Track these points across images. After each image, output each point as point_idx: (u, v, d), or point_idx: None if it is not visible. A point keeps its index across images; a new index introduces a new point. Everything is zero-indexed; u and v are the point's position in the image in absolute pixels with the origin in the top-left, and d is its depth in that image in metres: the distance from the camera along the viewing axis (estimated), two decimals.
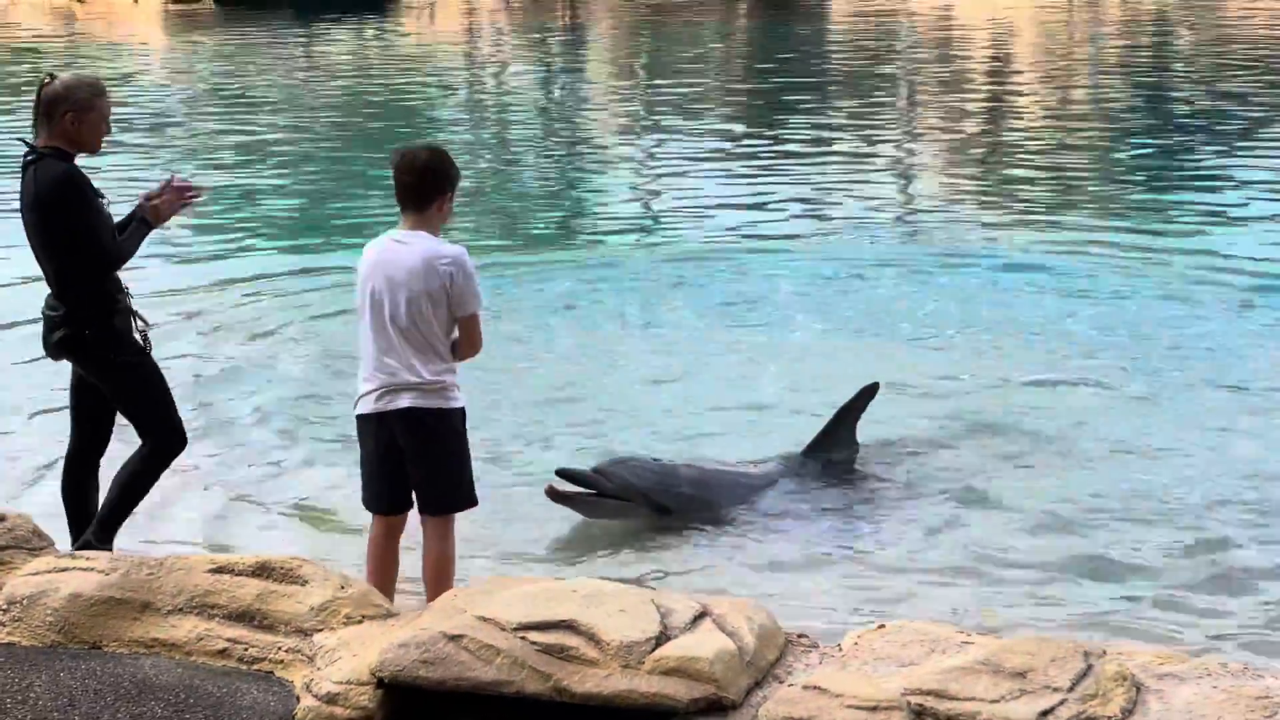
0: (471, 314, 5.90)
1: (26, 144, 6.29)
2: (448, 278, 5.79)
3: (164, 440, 6.40)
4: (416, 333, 5.80)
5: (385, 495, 6.00)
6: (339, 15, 37.13)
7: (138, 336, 6.35)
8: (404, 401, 5.82)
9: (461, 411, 5.97)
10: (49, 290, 6.31)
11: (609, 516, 7.69)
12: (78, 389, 6.50)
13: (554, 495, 7.51)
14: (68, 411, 6.65)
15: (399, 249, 5.83)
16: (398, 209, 5.93)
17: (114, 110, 6.60)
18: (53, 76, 6.30)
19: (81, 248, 6.14)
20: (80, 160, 6.25)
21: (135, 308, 6.38)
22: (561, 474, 7.57)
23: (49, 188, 6.12)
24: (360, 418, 5.96)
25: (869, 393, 8.60)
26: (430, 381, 5.82)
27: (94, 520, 6.39)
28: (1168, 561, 7.27)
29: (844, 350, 10.74)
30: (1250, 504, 7.88)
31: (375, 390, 5.85)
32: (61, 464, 6.70)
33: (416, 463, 5.90)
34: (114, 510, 6.39)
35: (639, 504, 7.63)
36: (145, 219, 6.32)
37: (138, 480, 6.41)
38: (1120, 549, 7.38)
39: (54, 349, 6.34)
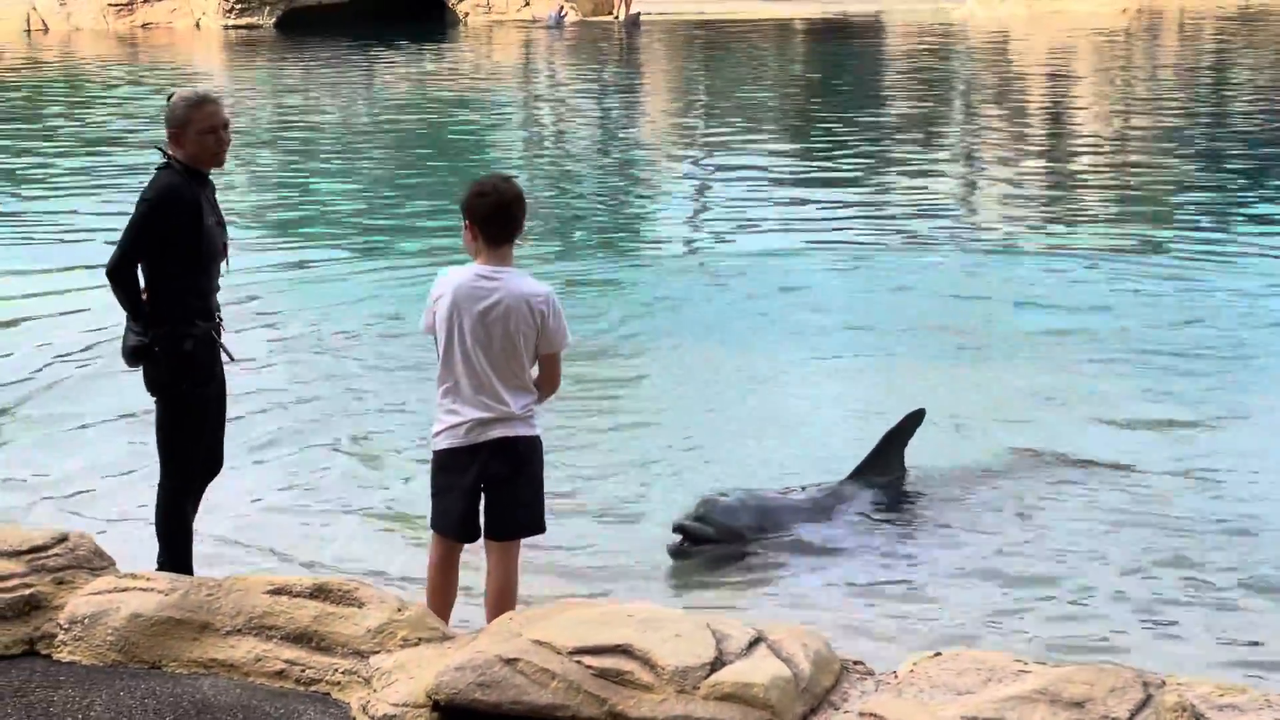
0: (556, 352, 5.91)
1: (161, 150, 6.34)
2: (540, 316, 5.80)
3: (176, 478, 6.41)
4: (508, 368, 5.80)
5: (468, 524, 5.97)
6: (399, 37, 37.39)
7: (218, 365, 6.36)
8: (497, 432, 5.81)
9: (540, 439, 6.00)
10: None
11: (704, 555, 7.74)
12: None
13: (678, 555, 7.58)
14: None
15: (491, 285, 5.79)
16: (453, 233, 5.94)
17: None
18: (174, 93, 6.39)
19: (172, 263, 6.18)
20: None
21: (223, 340, 6.41)
22: (678, 530, 7.63)
23: (147, 192, 6.20)
24: (447, 451, 5.89)
25: (915, 418, 8.59)
26: (519, 412, 5.84)
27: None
28: (1230, 591, 7.19)
29: (898, 370, 10.77)
30: None
31: (465, 423, 5.82)
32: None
33: (502, 489, 5.89)
34: (167, 554, 6.41)
35: (730, 542, 7.70)
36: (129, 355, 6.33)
37: (168, 520, 6.43)
38: (1181, 576, 7.31)
39: (125, 355, 6.37)
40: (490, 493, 5.91)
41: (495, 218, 5.80)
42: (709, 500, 7.82)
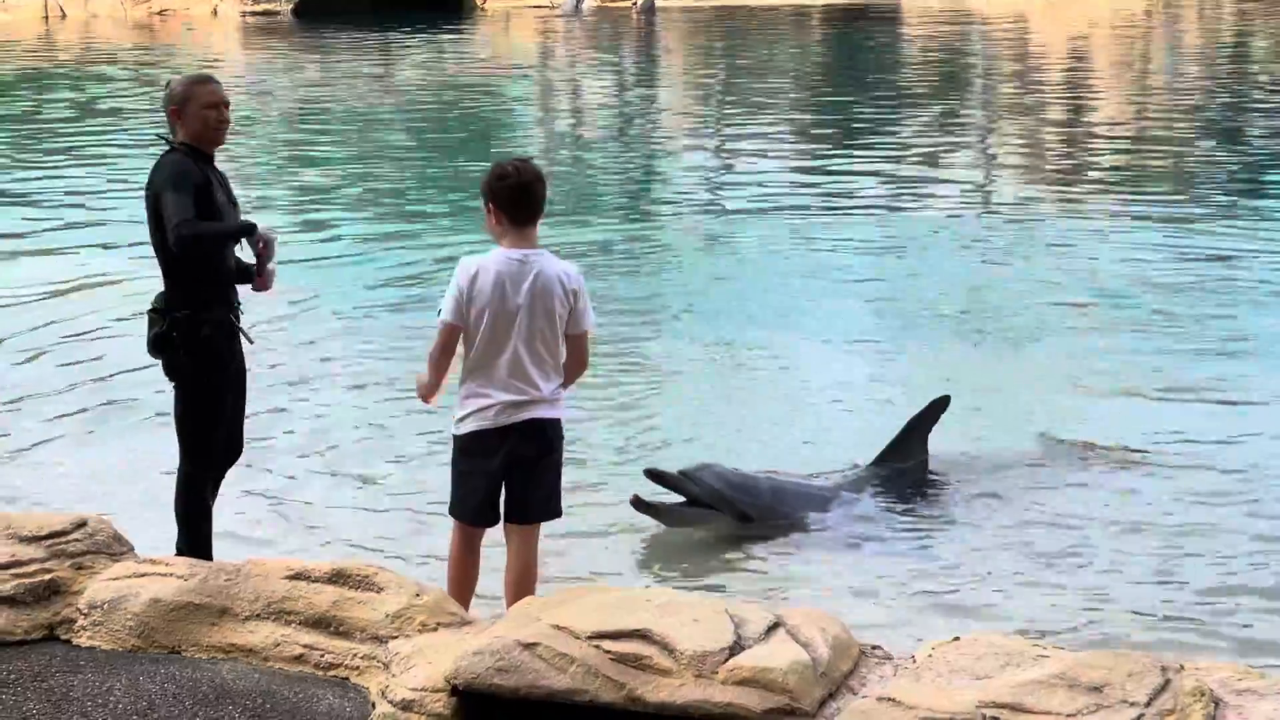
0: (585, 331, 5.91)
1: (164, 139, 6.34)
2: (573, 295, 5.80)
3: (195, 463, 6.41)
4: (543, 349, 5.79)
5: (485, 508, 5.95)
6: (416, 24, 37.38)
7: (237, 350, 6.36)
8: (528, 414, 5.80)
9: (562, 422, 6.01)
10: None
11: (689, 525, 7.67)
12: None
13: (639, 505, 7.51)
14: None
15: (524, 267, 5.77)
16: (476, 218, 5.92)
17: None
18: (170, 81, 6.40)
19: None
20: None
21: (243, 328, 6.41)
22: (650, 474, 7.56)
23: (153, 173, 6.18)
24: (473, 435, 5.85)
25: (941, 405, 8.57)
26: (551, 395, 5.84)
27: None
28: (1250, 576, 7.17)
29: (918, 352, 10.78)
30: None
31: (495, 405, 5.79)
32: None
33: (529, 473, 5.87)
34: (186, 538, 6.42)
35: (723, 510, 7.61)
36: (254, 229, 6.24)
37: (187, 504, 6.44)
38: (1201, 562, 7.30)
39: (149, 346, 6.36)
40: (515, 476, 5.89)
41: (519, 200, 5.78)
42: (711, 464, 7.76)
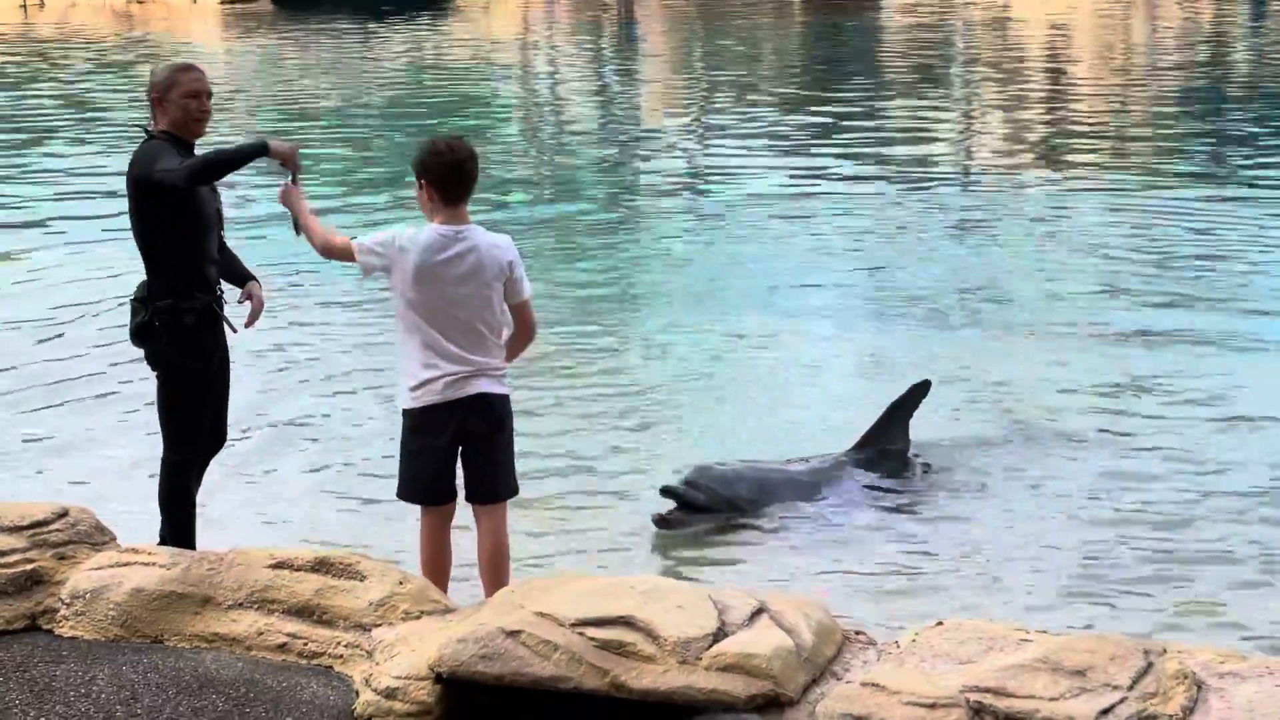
0: (527, 299, 5.95)
1: (145, 130, 6.31)
2: (508, 266, 5.84)
3: (179, 451, 6.38)
4: (481, 322, 5.82)
5: (437, 485, 5.95)
6: (396, 12, 37.30)
7: (220, 338, 6.34)
8: (476, 387, 5.83)
9: (510, 399, 6.02)
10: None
11: (696, 526, 7.71)
12: None
13: (662, 523, 7.55)
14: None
15: (459, 242, 5.82)
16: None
17: None
18: (154, 70, 6.36)
19: (165, 233, 6.15)
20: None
21: (227, 316, 6.39)
22: (665, 493, 7.62)
23: (133, 161, 6.14)
24: (424, 410, 5.85)
25: (921, 389, 8.59)
26: (496, 368, 5.87)
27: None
28: (1232, 559, 7.18)
29: (902, 338, 10.80)
30: None
31: (443, 377, 5.80)
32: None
33: (482, 449, 5.89)
34: (170, 528, 6.40)
35: (724, 511, 7.69)
36: (267, 146, 6.06)
37: (170, 494, 6.41)
38: (1184, 545, 7.31)
39: (132, 336, 6.33)
40: (469, 453, 5.91)
41: (451, 177, 5.82)
42: (703, 467, 7.81)
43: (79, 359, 10.28)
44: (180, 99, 6.22)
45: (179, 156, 6.08)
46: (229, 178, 6.32)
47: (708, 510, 7.63)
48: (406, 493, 6.01)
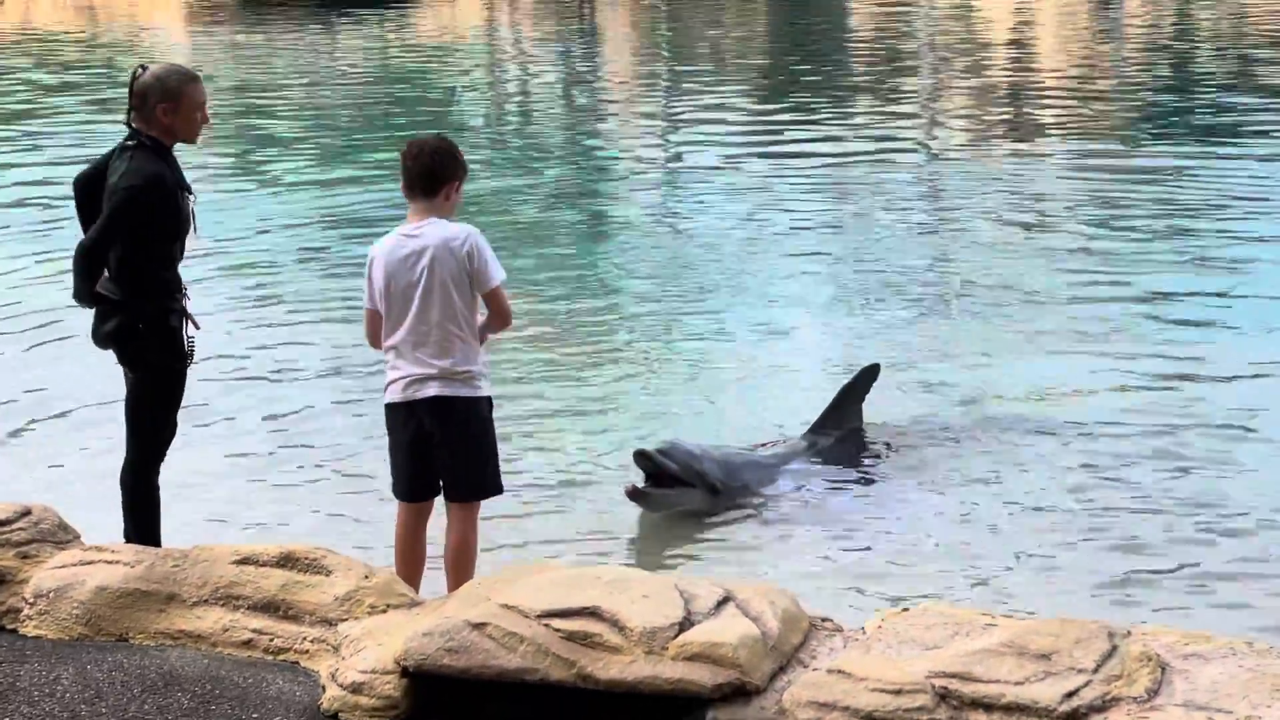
0: (496, 287, 5.92)
1: (130, 127, 6.21)
2: (466, 258, 5.82)
3: (149, 449, 6.34)
4: (442, 321, 5.82)
5: (413, 483, 6.02)
6: (361, 6, 37.13)
7: (186, 341, 6.30)
8: (432, 390, 5.84)
9: (489, 400, 6.00)
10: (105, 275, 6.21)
11: (671, 507, 7.67)
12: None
13: (635, 495, 7.53)
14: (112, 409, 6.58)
15: (412, 242, 5.84)
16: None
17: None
18: (144, 68, 6.25)
19: (153, 244, 6.12)
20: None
21: (190, 312, 6.36)
22: (639, 456, 7.59)
23: (143, 180, 6.04)
24: (389, 407, 5.97)
25: (871, 373, 8.64)
26: (458, 370, 5.85)
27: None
28: (1196, 540, 7.22)
29: (863, 323, 10.86)
30: None
31: (403, 379, 5.87)
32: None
33: (445, 450, 5.92)
34: (135, 526, 6.35)
35: (697, 485, 7.64)
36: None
37: (135, 491, 6.36)
38: (1147, 527, 7.34)
39: (104, 338, 6.26)
40: (435, 453, 5.94)
41: (413, 173, 5.87)
42: (674, 440, 7.80)
43: (33, 358, 10.20)
44: (191, 111, 6.18)
45: (180, 209, 6.11)
46: (192, 183, 6.32)
47: (678, 481, 7.59)
48: (392, 487, 6.14)
